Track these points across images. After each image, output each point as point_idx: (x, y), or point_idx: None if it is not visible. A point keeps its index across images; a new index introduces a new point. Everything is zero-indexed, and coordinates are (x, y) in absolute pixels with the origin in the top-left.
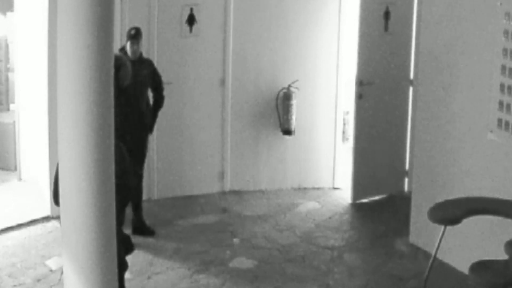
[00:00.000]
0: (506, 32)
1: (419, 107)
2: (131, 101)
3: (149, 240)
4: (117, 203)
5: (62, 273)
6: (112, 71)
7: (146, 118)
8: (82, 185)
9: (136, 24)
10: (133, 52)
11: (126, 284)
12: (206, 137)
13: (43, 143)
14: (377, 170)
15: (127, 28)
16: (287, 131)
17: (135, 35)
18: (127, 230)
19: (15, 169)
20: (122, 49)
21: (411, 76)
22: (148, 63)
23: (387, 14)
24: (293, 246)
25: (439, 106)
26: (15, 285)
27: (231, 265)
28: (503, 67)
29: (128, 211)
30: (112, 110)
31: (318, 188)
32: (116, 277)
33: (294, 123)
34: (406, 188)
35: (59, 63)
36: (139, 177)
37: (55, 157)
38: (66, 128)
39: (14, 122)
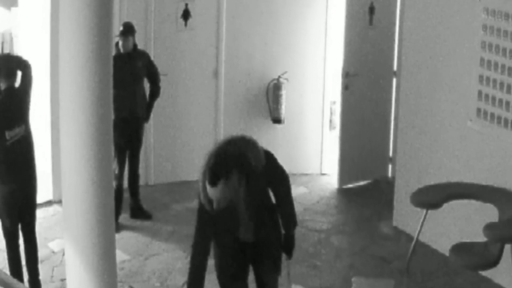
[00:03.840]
0: (484, 27)
1: (402, 97)
2: (126, 92)
3: (146, 223)
4: None
5: (63, 254)
6: (111, 65)
7: (142, 108)
8: (83, 173)
9: (134, 19)
10: (123, 46)
11: (125, 264)
12: (200, 125)
13: (46, 130)
14: (362, 157)
15: None
16: (277, 120)
17: (123, 32)
18: (125, 214)
19: None
20: (116, 45)
21: (395, 67)
22: (144, 56)
23: (371, 9)
24: None
25: (421, 96)
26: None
27: None
28: (482, 60)
29: (126, 195)
30: (111, 102)
31: (306, 174)
32: (115, 259)
33: (283, 112)
34: (389, 173)
35: (61, 56)
36: (136, 164)
37: (57, 145)
38: (68, 118)
39: None
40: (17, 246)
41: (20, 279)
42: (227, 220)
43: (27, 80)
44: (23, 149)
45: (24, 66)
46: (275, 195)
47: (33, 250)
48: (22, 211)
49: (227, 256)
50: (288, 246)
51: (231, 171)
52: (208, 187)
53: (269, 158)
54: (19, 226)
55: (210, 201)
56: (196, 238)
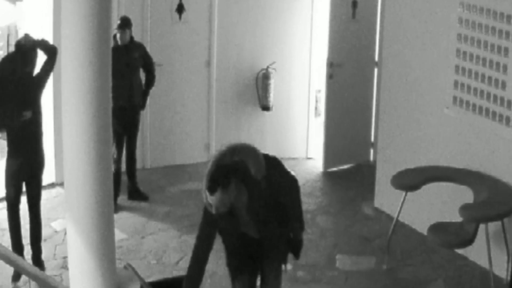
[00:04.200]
0: (460, 19)
1: (383, 86)
2: (124, 81)
3: (143, 204)
4: None
5: (65, 233)
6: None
7: (138, 96)
8: (83, 157)
9: (132, 13)
10: (121, 39)
11: (123, 243)
12: (194, 112)
13: (48, 116)
14: (345, 142)
15: None
16: (266, 107)
17: (120, 26)
18: (123, 196)
19: None
20: (114, 37)
21: (376, 58)
22: (140, 47)
23: (354, 3)
24: None
25: (400, 85)
26: (24, 244)
27: None
28: (458, 51)
29: (124, 178)
30: (110, 90)
31: (293, 158)
32: (113, 238)
33: (271, 100)
34: (371, 158)
35: (62, 48)
36: (133, 149)
37: (59, 130)
38: (69, 105)
39: None
40: (17, 216)
41: (20, 247)
42: (229, 221)
43: (49, 67)
44: (32, 129)
45: (52, 52)
46: (284, 201)
47: (37, 226)
48: (28, 184)
49: (232, 250)
50: (296, 249)
51: (229, 179)
52: (207, 193)
53: (276, 165)
54: (25, 202)
55: (211, 204)
56: (199, 232)
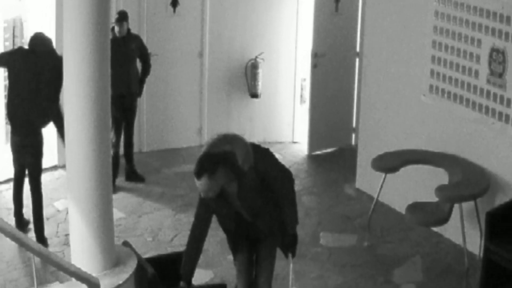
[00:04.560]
0: (436, 13)
1: (364, 74)
2: (122, 71)
3: (140, 185)
4: None
5: (67, 213)
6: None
7: (135, 84)
8: (84, 141)
9: (129, 8)
10: (119, 31)
11: (121, 221)
12: (187, 99)
13: None
14: (329, 127)
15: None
16: (254, 95)
17: (118, 19)
18: (121, 177)
19: None
20: (112, 29)
21: (358, 49)
22: (136, 39)
23: None
24: None
25: (380, 74)
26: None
27: None
28: (434, 42)
29: (122, 161)
30: (109, 78)
31: (280, 142)
32: (112, 217)
33: (260, 88)
34: (353, 142)
35: (64, 41)
36: (131, 133)
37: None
38: (71, 92)
39: None
40: (20, 189)
41: (21, 218)
42: (222, 204)
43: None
44: (30, 111)
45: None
46: (276, 193)
47: (37, 203)
48: (28, 163)
49: (227, 231)
50: (289, 244)
51: (216, 167)
52: (194, 178)
53: (265, 156)
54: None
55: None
56: (196, 212)
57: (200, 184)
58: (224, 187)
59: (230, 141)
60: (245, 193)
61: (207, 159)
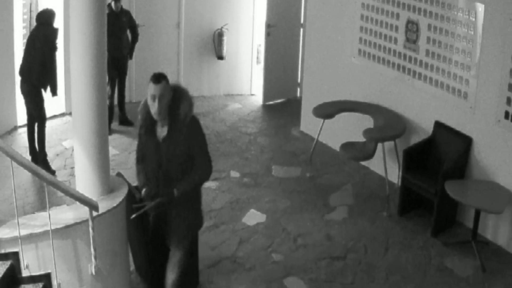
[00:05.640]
0: None
1: (306, 41)
2: (116, 39)
3: (130, 128)
4: None
5: (73, 150)
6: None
7: (126, 49)
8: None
9: None
10: (116, 7)
11: (116, 157)
12: (167, 61)
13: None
14: (279, 82)
15: None
16: (220, 57)
17: None
18: (115, 122)
19: None
20: (108, 5)
21: (302, 20)
22: (127, 13)
23: None
24: (224, 133)
25: (320, 41)
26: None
27: None
28: (362, 15)
29: (116, 110)
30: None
31: (240, 95)
32: (108, 153)
33: (225, 52)
34: (298, 94)
35: (71, 13)
36: (123, 87)
37: (68, 72)
38: (76, 54)
39: None
40: (32, 130)
41: (35, 154)
42: (150, 139)
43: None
44: (28, 69)
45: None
46: (193, 159)
47: (39, 140)
48: (28, 108)
49: (148, 177)
50: (164, 194)
51: (168, 83)
52: (151, 85)
53: (203, 136)
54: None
55: (151, 109)
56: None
57: (156, 89)
58: (157, 129)
59: (182, 89)
60: (171, 141)
61: (162, 74)
